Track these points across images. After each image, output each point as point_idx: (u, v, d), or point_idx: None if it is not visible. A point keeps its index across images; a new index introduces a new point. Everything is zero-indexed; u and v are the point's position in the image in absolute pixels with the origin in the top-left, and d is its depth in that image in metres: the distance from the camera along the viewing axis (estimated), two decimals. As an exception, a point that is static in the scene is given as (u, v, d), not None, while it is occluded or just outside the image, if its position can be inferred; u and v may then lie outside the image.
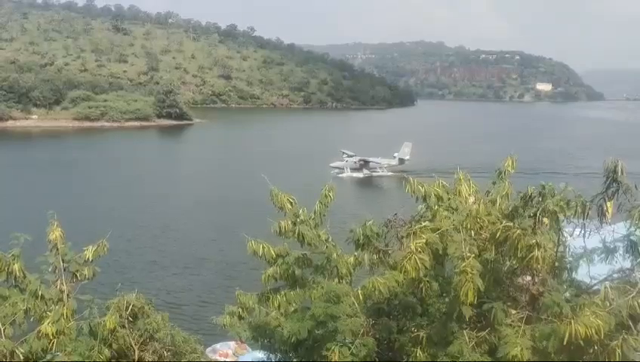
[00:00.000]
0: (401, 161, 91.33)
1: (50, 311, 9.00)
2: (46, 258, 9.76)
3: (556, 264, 7.98)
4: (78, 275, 9.89)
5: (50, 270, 9.78)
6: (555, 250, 7.88)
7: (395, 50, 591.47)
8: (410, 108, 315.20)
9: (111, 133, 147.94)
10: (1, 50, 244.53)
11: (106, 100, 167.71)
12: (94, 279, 10.03)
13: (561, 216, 7.63)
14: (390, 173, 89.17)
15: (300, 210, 10.47)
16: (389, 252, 9.93)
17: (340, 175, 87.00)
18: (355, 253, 10.43)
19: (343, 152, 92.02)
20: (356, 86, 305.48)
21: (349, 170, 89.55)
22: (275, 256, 10.30)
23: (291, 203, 10.52)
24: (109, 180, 78.11)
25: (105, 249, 10.06)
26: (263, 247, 10.27)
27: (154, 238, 50.76)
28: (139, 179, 79.93)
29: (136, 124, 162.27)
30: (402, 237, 8.86)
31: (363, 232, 10.40)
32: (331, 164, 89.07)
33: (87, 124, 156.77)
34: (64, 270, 9.77)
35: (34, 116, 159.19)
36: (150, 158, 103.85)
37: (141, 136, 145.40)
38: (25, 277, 9.64)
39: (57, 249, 9.78)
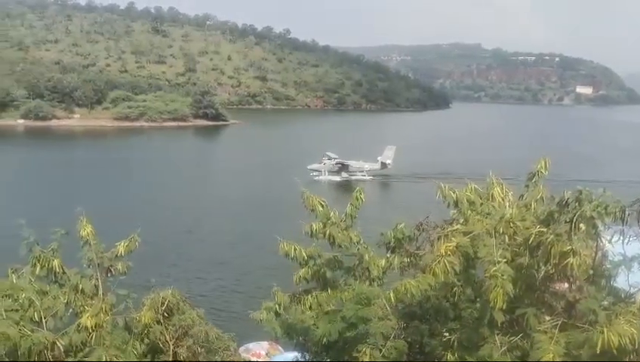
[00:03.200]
0: (384, 165, 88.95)
1: (88, 306, 9.26)
2: (84, 253, 10.05)
3: (594, 271, 7.82)
4: (112, 270, 10.16)
5: (85, 265, 10.07)
6: (593, 256, 7.72)
7: (431, 52, 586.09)
8: (445, 111, 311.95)
9: (149, 132, 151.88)
10: (46, 52, 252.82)
11: (144, 100, 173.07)
12: (129, 273, 10.27)
13: (598, 222, 7.46)
14: (370, 178, 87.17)
15: (332, 212, 10.53)
16: (420, 255, 9.88)
17: (318, 178, 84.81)
18: (387, 256, 10.44)
19: (326, 155, 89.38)
20: (391, 88, 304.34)
21: (326, 173, 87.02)
22: (306, 257, 10.38)
23: (322, 205, 10.60)
24: (147, 180, 79.79)
25: (136, 244, 10.29)
26: (295, 249, 10.36)
27: (188, 235, 51.74)
28: (175, 178, 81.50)
29: (174, 124, 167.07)
30: (433, 240, 8.81)
31: (394, 235, 10.42)
32: (309, 167, 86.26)
33: (126, 123, 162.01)
34: (98, 265, 10.03)
35: (76, 115, 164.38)
36: (185, 159, 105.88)
37: (178, 136, 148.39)
38: (64, 272, 9.95)
39: (90, 245, 10.05)
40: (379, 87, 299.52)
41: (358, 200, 10.63)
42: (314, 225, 10.38)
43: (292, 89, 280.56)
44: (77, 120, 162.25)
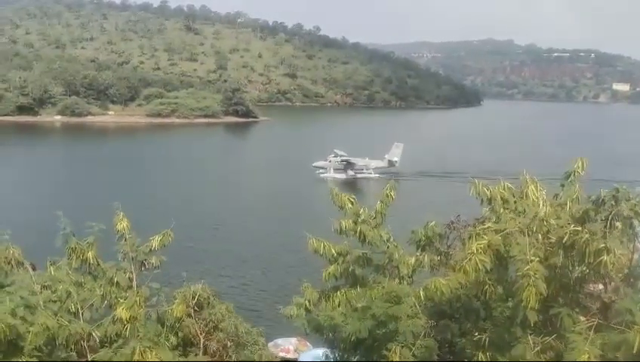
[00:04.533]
0: (391, 163, 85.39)
1: (123, 298, 9.47)
2: (120, 246, 10.27)
3: (630, 271, 7.64)
4: (146, 263, 10.35)
5: (120, 259, 10.29)
6: (630, 256, 7.55)
7: (462, 49, 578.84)
8: (476, 108, 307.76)
9: (180, 129, 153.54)
10: (82, 50, 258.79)
11: (176, 97, 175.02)
12: (160, 268, 10.46)
13: (635, 222, 7.30)
14: (377, 176, 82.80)
15: (361, 210, 10.53)
16: (451, 254, 9.82)
17: (323, 175, 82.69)
18: (417, 254, 10.40)
19: (334, 152, 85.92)
20: (421, 85, 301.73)
21: (332, 170, 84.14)
22: (335, 254, 10.39)
23: (352, 202, 10.60)
24: (175, 177, 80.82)
25: (170, 238, 10.46)
26: (324, 245, 10.38)
27: (213, 231, 52.30)
28: (202, 174, 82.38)
29: (204, 120, 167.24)
30: (464, 238, 8.73)
31: (425, 233, 10.39)
32: (314, 164, 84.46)
33: (158, 120, 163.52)
34: (132, 259, 10.23)
35: (110, 112, 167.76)
36: (213, 156, 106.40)
37: (208, 132, 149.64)
38: (98, 264, 10.20)
39: (125, 239, 10.26)
40: (408, 85, 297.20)
41: (388, 197, 10.59)
42: (343, 223, 10.37)
43: (321, 86, 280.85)
44: (111, 116, 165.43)
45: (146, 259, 10.40)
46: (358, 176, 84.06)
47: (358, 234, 10.27)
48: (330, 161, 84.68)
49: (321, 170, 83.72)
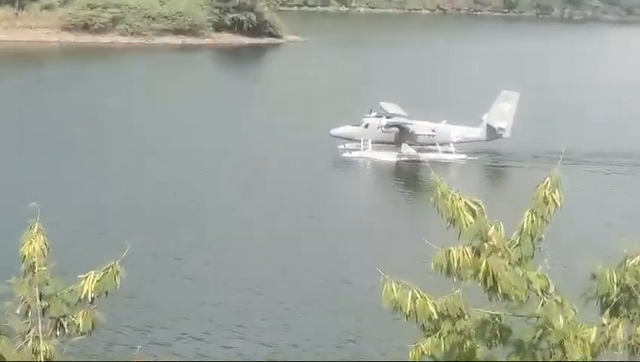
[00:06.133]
0: (492, 131, 44.50)
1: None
2: (12, 288, 5.41)
3: None
4: (65, 325, 5.47)
5: (18, 311, 5.45)
6: None
7: None
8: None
9: (126, 56, 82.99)
10: None
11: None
12: (95, 332, 5.48)
13: None
14: (461, 157, 44.38)
15: (492, 227, 5.37)
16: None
17: (351, 155, 43.84)
18: (602, 320, 5.41)
19: (381, 106, 46.54)
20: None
21: (369, 143, 43.82)
22: (436, 315, 5.37)
23: (474, 211, 5.41)
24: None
25: (116, 278, 5.52)
26: (416, 297, 5.35)
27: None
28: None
29: (176, 41, 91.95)
30: None
31: (615, 279, 5.37)
32: (333, 132, 43.80)
33: (84, 38, 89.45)
34: (42, 313, 5.45)
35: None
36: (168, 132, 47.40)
37: (178, 68, 75.46)
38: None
39: (34, 272, 5.44)
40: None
41: (546, 202, 5.46)
42: (453, 251, 5.34)
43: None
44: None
45: (65, 317, 5.45)
46: (423, 156, 42.85)
47: (482, 274, 5.28)
48: (366, 126, 44.09)
49: (347, 144, 44.21)
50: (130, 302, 18.90)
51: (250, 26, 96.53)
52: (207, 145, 43.55)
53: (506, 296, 5.27)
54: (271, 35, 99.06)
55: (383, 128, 44.08)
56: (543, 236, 5.35)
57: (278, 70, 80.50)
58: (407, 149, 44.02)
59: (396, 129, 44.34)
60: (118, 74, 68.35)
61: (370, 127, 44.06)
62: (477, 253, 5.32)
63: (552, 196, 5.37)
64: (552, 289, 5.27)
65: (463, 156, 44.11)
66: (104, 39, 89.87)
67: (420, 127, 44.22)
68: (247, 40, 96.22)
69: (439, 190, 5.45)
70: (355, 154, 43.88)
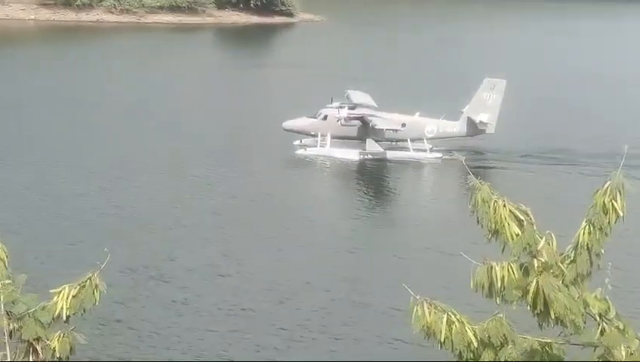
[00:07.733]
0: (473, 125, 38.25)
1: None
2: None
3: None
4: (39, 349, 4.70)
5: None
6: None
7: None
8: None
9: (113, 37, 73.16)
10: None
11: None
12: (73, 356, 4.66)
13: None
14: (435, 156, 37.66)
15: (543, 240, 4.58)
16: None
17: (306, 152, 37.78)
18: None
19: (346, 97, 40.33)
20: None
21: (328, 138, 37.40)
22: (476, 342, 4.60)
23: (521, 221, 4.63)
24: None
25: (95, 293, 4.72)
26: (450, 322, 4.55)
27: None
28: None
29: (172, 19, 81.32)
30: None
31: None
32: (285, 125, 37.53)
33: (65, 15, 78.98)
34: (10, 334, 4.74)
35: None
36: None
37: (175, 48, 68.34)
38: None
39: None
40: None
41: (606, 211, 4.68)
42: (496, 268, 4.49)
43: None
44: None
45: (38, 339, 4.66)
46: (393, 154, 38.05)
47: (531, 295, 4.55)
48: (325, 118, 37.64)
49: (304, 140, 38.24)
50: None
51: (259, 2, 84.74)
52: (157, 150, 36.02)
53: (558, 321, 4.50)
54: (282, 13, 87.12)
55: (342, 121, 37.45)
56: (602, 251, 4.58)
57: (287, 55, 68.19)
58: (372, 146, 38.00)
59: (358, 122, 37.88)
60: (99, 60, 57.80)
61: (328, 119, 37.52)
62: (525, 270, 4.55)
63: (612, 204, 4.57)
64: (612, 314, 4.51)
65: (438, 155, 37.54)
66: (88, 17, 78.47)
67: (388, 120, 37.72)
68: (254, 19, 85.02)
69: (479, 195, 4.65)
70: (310, 151, 37.63)
